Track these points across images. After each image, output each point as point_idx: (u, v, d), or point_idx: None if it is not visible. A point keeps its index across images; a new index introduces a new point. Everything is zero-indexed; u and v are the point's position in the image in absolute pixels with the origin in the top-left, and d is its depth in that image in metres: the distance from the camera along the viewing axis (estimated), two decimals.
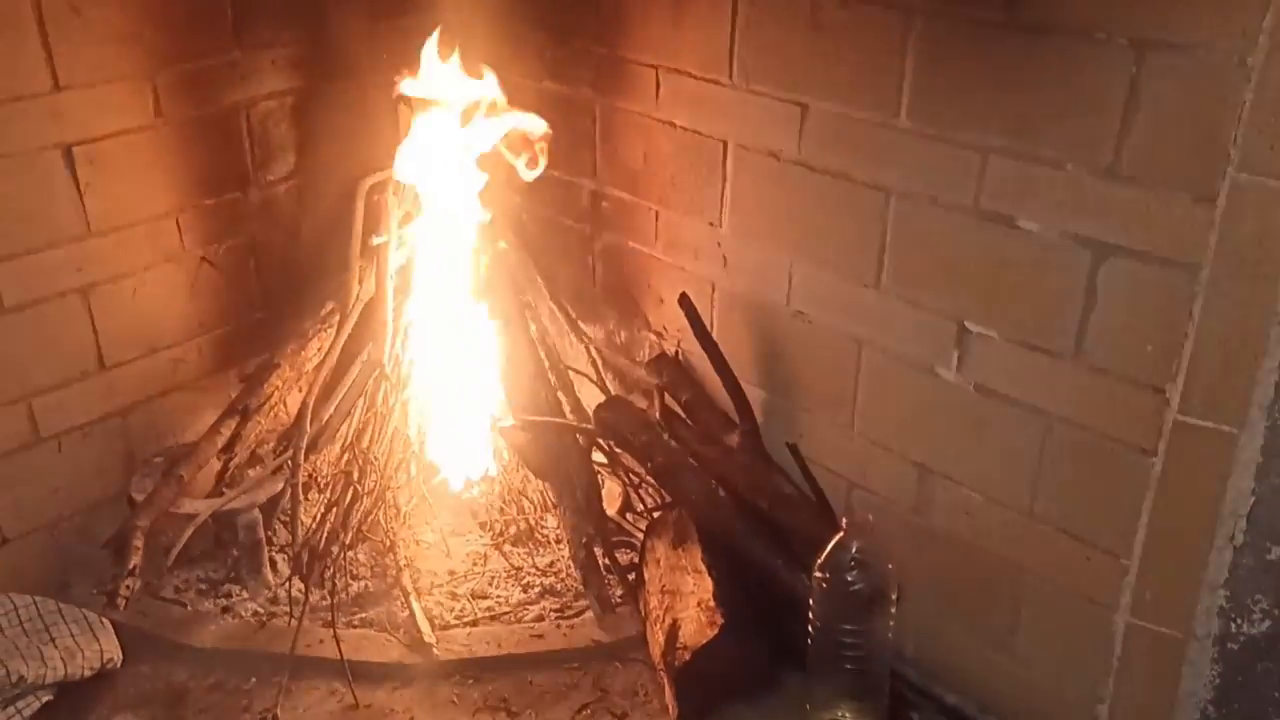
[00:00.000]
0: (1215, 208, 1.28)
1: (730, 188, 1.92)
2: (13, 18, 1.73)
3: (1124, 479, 1.45)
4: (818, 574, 1.57)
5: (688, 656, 1.67)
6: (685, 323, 1.98)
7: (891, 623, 1.61)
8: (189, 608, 1.94)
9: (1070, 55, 1.38)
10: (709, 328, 2.00)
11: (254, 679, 1.81)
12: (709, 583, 1.75)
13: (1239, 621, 1.40)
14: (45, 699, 1.73)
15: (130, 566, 1.83)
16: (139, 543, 1.86)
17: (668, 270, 2.11)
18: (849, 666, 1.59)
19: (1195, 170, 1.29)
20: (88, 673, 1.77)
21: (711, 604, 1.71)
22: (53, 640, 1.80)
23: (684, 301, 1.97)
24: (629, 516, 2.17)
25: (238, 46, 2.06)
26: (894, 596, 1.59)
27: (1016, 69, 1.45)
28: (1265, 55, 1.21)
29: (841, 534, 1.56)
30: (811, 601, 1.62)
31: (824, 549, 1.60)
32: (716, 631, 1.67)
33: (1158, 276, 1.36)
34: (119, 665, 1.81)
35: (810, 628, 1.63)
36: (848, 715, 1.63)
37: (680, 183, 2.01)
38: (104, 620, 1.85)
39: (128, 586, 1.82)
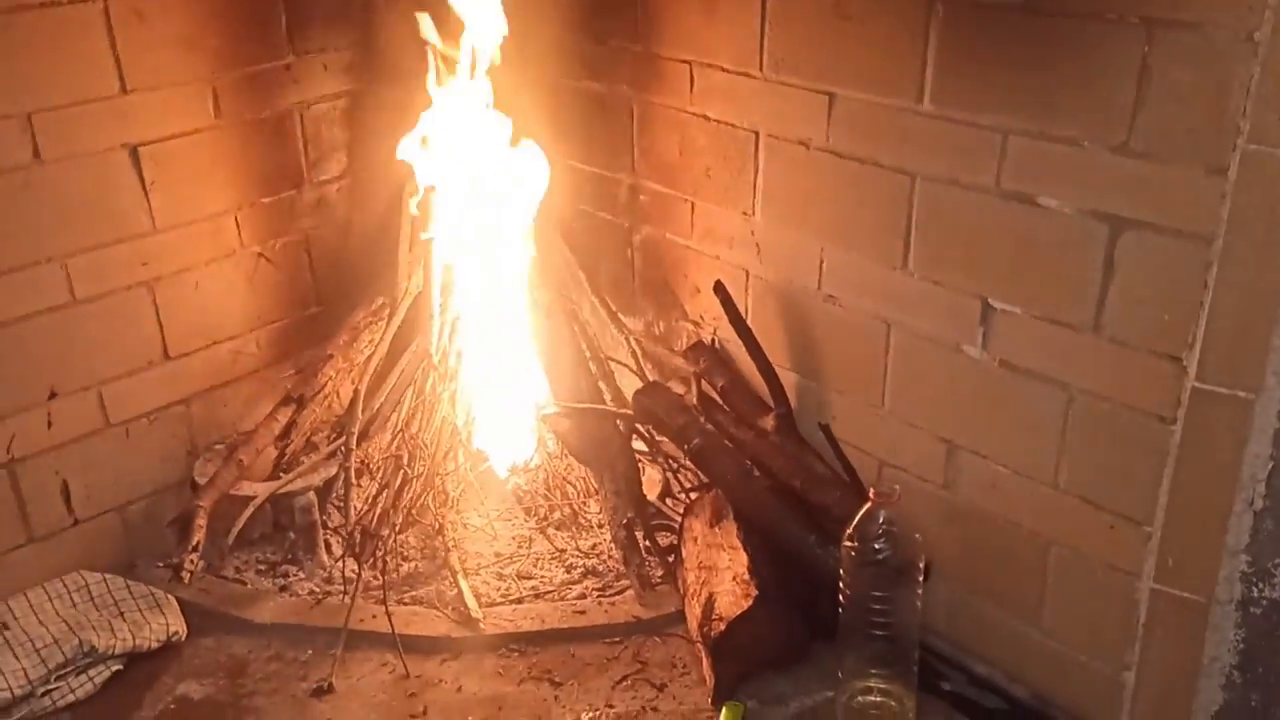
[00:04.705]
0: (1227, 179, 1.32)
1: (762, 177, 1.97)
2: (83, 24, 1.84)
3: (1145, 447, 1.49)
4: (846, 543, 1.60)
5: (723, 627, 1.72)
6: (721, 310, 2.03)
7: (920, 592, 1.64)
8: (248, 586, 2.03)
9: (1084, 36, 1.42)
10: (744, 314, 2.05)
11: (310, 651, 1.88)
12: (744, 557, 1.80)
13: (1261, 586, 1.42)
14: (115, 668, 1.82)
15: (194, 543, 1.92)
16: (202, 521, 1.95)
17: (703, 260, 2.17)
18: (878, 634, 1.62)
19: (1207, 143, 1.33)
20: (154, 644, 1.87)
21: (746, 577, 1.76)
22: (122, 614, 1.90)
23: (719, 289, 2.02)
24: (668, 501, 2.22)
25: (292, 51, 2.17)
26: (922, 566, 1.62)
27: (1033, 51, 1.49)
28: (1271, 30, 1.24)
29: (869, 504, 1.60)
30: (841, 571, 1.66)
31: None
32: (751, 603, 1.72)
33: (1173, 248, 1.40)
34: (184, 638, 1.90)
35: (840, 598, 1.67)
36: (878, 683, 1.66)
37: (714, 174, 2.07)
38: (169, 596, 1.95)
39: (192, 561, 1.90)
